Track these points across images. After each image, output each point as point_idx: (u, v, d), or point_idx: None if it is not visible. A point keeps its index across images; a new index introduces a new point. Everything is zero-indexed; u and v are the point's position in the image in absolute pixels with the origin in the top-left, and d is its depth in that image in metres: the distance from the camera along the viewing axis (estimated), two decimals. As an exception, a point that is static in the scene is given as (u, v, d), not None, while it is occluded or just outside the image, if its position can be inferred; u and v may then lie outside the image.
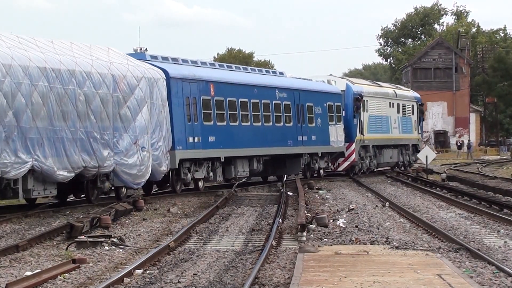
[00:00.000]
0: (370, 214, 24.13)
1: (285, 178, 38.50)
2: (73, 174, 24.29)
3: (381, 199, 29.53)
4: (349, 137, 42.83)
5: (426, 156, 42.09)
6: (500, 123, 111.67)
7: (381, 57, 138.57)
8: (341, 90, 42.99)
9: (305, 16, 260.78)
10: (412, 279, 13.18)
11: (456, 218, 23.78)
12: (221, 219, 23.16)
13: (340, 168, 43.57)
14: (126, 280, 13.66)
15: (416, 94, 54.98)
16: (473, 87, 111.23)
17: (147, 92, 27.59)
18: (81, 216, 21.61)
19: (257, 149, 34.68)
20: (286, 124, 37.12)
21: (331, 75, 47.07)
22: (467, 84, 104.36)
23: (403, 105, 50.31)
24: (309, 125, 39.18)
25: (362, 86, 46.11)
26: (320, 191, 32.96)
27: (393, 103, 48.74)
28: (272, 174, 39.30)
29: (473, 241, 18.50)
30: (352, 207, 25.97)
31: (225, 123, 32.44)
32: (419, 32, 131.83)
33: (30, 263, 15.57)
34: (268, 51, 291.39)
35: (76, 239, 17.72)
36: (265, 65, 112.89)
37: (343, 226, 21.03)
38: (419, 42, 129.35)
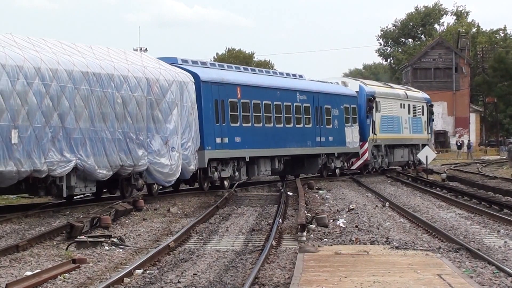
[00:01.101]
0: (370, 214, 24.13)
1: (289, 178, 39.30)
2: (111, 173, 25.89)
3: (381, 199, 29.53)
4: (362, 137, 44.44)
5: (426, 156, 42.11)
6: (500, 123, 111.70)
7: (381, 57, 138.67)
8: (355, 91, 44.60)
9: (305, 16, 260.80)
10: (412, 279, 13.18)
11: (456, 218, 23.78)
12: (221, 219, 23.16)
13: (354, 167, 45.20)
14: (126, 280, 13.66)
15: (426, 95, 56.39)
16: (473, 87, 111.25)
17: (178, 95, 29.02)
18: (81, 216, 21.61)
19: (279, 150, 36.28)
20: (306, 126, 38.80)
21: (344, 76, 48.34)
22: (467, 84, 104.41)
23: (414, 106, 51.92)
24: (327, 126, 40.79)
25: (374, 87, 47.65)
26: (320, 191, 32.97)
27: (404, 104, 50.37)
28: (291, 173, 40.50)
29: (473, 241, 18.50)
30: (352, 207, 25.97)
31: (250, 124, 34.04)
32: (419, 32, 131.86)
33: (30, 263, 15.57)
34: (268, 51, 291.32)
35: (76, 239, 17.73)
36: (265, 65, 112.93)
37: (343, 226, 21.03)
38: (419, 42, 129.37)
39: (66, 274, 14.25)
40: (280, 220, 21.52)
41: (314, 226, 20.48)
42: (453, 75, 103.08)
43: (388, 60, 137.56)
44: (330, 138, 40.92)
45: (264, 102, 35.19)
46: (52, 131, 23.57)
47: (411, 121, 51.10)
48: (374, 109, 45.55)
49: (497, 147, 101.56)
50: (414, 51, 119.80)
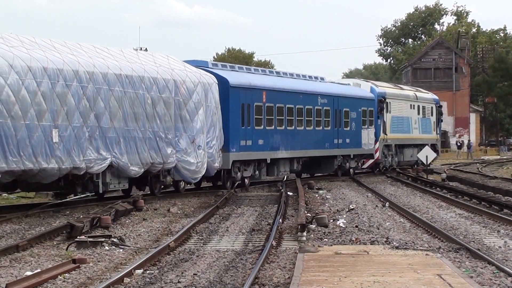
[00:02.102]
0: (370, 214, 24.13)
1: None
2: (143, 170, 27.43)
3: (381, 199, 29.52)
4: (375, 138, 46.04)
5: (426, 156, 42.11)
6: (500, 123, 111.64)
7: (381, 57, 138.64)
8: (372, 94, 45.89)
9: (305, 16, 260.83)
10: (412, 279, 13.18)
11: (456, 218, 23.78)
12: (221, 219, 23.16)
13: (365, 166, 46.64)
14: (126, 280, 13.66)
15: (435, 97, 57.59)
16: (473, 87, 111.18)
17: (203, 95, 30.47)
18: (81, 216, 21.61)
19: (298, 151, 37.67)
20: (325, 128, 40.16)
21: (356, 77, 49.41)
22: (467, 84, 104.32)
23: (423, 107, 53.27)
24: (345, 128, 42.14)
25: (385, 88, 48.86)
26: (320, 191, 32.97)
27: (413, 105, 51.75)
28: (307, 172, 42.19)
29: (473, 241, 18.50)
30: (352, 207, 25.97)
31: (273, 127, 35.41)
32: (419, 32, 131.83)
33: (30, 263, 15.57)
34: (268, 51, 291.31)
35: (76, 239, 17.72)
36: (265, 65, 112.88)
37: (343, 226, 21.03)
38: (419, 42, 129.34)
39: (66, 274, 14.25)
40: (280, 220, 21.52)
41: (314, 226, 20.48)
42: (453, 75, 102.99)
43: (388, 60, 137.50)
44: (347, 140, 42.26)
45: (287, 105, 36.59)
46: (89, 130, 25.12)
47: (420, 121, 52.41)
48: (384, 110, 46.80)
49: (497, 147, 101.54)
50: (414, 51, 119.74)
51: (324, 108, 39.98)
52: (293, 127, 37.11)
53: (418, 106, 52.44)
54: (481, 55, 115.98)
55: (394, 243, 17.61)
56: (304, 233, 18.58)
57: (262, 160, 34.75)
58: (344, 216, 23.46)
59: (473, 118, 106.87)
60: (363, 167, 46.34)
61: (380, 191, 33.91)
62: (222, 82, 32.00)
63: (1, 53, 22.66)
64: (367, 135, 44.32)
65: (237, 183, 33.44)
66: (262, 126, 34.45)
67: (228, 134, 31.94)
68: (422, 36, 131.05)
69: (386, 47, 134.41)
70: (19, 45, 24.00)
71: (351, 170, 43.71)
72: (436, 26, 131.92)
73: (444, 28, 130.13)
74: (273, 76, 37.88)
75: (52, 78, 23.79)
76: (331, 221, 21.97)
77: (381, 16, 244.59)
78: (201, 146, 30.06)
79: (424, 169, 45.02)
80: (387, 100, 47.34)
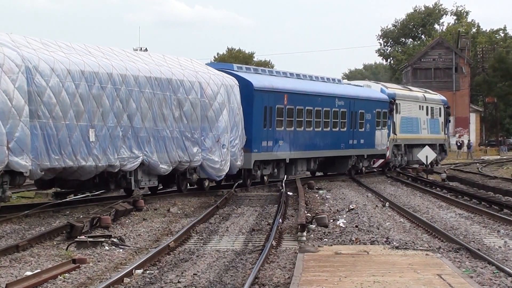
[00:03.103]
0: (370, 214, 24.13)
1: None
2: (171, 168, 28.77)
3: (381, 199, 29.52)
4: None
5: (426, 156, 42.10)
6: (500, 123, 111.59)
7: (381, 57, 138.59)
8: (386, 96, 47.02)
9: (306, 16, 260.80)
10: (412, 279, 13.18)
11: (456, 218, 23.78)
12: (221, 219, 23.16)
13: (376, 165, 47.70)
14: (126, 280, 13.66)
15: (443, 98, 58.96)
16: (473, 87, 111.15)
17: (226, 97, 31.81)
18: (81, 216, 21.61)
19: (315, 152, 39.19)
20: (341, 129, 41.46)
21: (366, 79, 50.85)
22: (467, 84, 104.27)
23: (432, 108, 54.53)
24: (360, 130, 43.34)
25: (394, 90, 50.13)
26: (320, 191, 32.97)
27: (422, 106, 53.03)
28: (322, 171, 43.87)
29: (473, 241, 18.50)
30: (352, 207, 25.97)
31: (292, 128, 36.72)
32: (419, 32, 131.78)
33: (30, 263, 15.57)
34: (268, 51, 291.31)
35: (76, 239, 17.72)
36: (265, 65, 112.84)
37: (343, 226, 21.02)
38: (419, 42, 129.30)
39: (66, 274, 14.25)
40: (280, 220, 21.52)
41: (314, 226, 20.47)
42: (453, 75, 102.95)
43: (388, 60, 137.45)
44: (362, 141, 43.52)
45: (306, 108, 37.89)
46: (123, 130, 26.46)
47: (429, 122, 53.65)
48: (394, 111, 47.86)
49: (497, 147, 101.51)
50: (414, 51, 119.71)
51: (341, 110, 41.24)
52: (312, 128, 38.46)
53: (427, 107, 53.68)
54: (481, 55, 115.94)
55: (394, 243, 17.61)
56: (304, 233, 18.58)
57: (281, 160, 36.11)
58: (344, 216, 23.46)
59: (473, 118, 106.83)
60: (373, 166, 47.62)
61: (380, 191, 33.91)
62: (247, 85, 33.19)
63: (44, 57, 23.89)
64: (381, 136, 45.58)
65: (255, 179, 34.96)
66: (282, 128, 35.80)
67: (251, 135, 33.21)
68: (422, 36, 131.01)
69: (386, 47, 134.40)
70: (57, 50, 25.31)
71: (363, 169, 45.09)
72: (436, 26, 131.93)
73: (444, 28, 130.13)
74: (294, 79, 38.98)
75: (89, 80, 25.16)
76: (331, 221, 21.97)
77: (381, 16, 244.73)
78: (225, 145, 31.36)
79: (424, 169, 45.04)
80: (397, 101, 48.53)
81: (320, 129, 39.26)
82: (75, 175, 25.19)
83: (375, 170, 48.20)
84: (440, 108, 56.22)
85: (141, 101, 27.36)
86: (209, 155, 30.54)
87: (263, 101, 34.22)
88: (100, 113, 25.53)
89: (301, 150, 37.52)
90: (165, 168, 28.36)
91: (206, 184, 32.53)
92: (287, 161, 36.41)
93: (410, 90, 54.67)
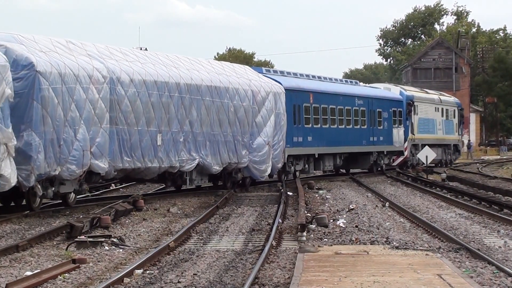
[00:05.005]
0: (370, 214, 24.13)
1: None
2: (221, 168, 31.39)
3: (381, 199, 29.52)
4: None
5: (426, 156, 42.11)
6: (500, 123, 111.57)
7: (381, 57, 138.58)
8: (400, 96, 50.24)
9: (306, 16, 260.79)
10: (412, 279, 13.18)
11: (456, 218, 23.77)
12: (221, 219, 23.15)
13: (395, 163, 50.73)
14: (126, 280, 13.65)
15: (457, 100, 63.19)
16: (473, 87, 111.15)
17: (273, 103, 34.65)
18: (81, 216, 21.60)
19: (340, 147, 42.04)
20: (362, 127, 44.39)
21: (386, 82, 55.34)
22: (467, 84, 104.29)
23: (447, 110, 58.04)
24: (378, 127, 46.40)
25: (413, 92, 53.36)
26: (320, 191, 32.98)
27: (438, 108, 56.40)
28: (346, 168, 46.35)
29: (473, 241, 18.50)
30: (352, 207, 25.96)
31: (319, 125, 39.60)
32: (419, 32, 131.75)
33: (30, 263, 15.56)
34: (268, 51, 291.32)
35: (76, 239, 17.71)
36: (265, 65, 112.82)
37: (343, 226, 21.02)
38: (419, 42, 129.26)
39: (66, 274, 14.24)
40: (280, 220, 21.52)
41: (314, 226, 20.47)
42: (453, 75, 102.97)
43: (388, 60, 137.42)
44: (381, 138, 46.51)
45: (330, 106, 40.75)
46: (184, 134, 29.18)
47: (444, 123, 56.89)
48: (412, 112, 50.77)
49: (497, 147, 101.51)
50: (414, 51, 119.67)
51: (361, 108, 44.14)
52: (336, 125, 41.32)
53: (442, 109, 56.85)
54: (481, 55, 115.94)
55: (394, 243, 17.61)
56: (304, 233, 18.58)
57: (310, 155, 38.80)
58: (344, 216, 23.46)
59: (473, 118, 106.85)
60: (393, 164, 50.37)
61: (380, 191, 33.91)
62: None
63: (125, 69, 26.49)
64: (398, 133, 48.30)
65: (288, 175, 37.48)
66: (310, 125, 38.60)
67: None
68: (422, 36, 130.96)
69: (386, 47, 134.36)
70: (134, 60, 27.98)
71: (383, 166, 48.04)
72: (436, 26, 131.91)
73: (444, 28, 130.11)
74: (316, 80, 41.77)
75: (160, 90, 27.94)
76: (331, 221, 21.97)
77: (381, 16, 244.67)
78: (269, 148, 33.85)
79: (424, 169, 45.08)
80: (415, 103, 51.39)
81: (343, 126, 42.07)
82: (141, 175, 28.03)
83: (395, 167, 50.66)
84: (454, 110, 59.32)
85: (201, 108, 30.07)
86: (255, 158, 33.15)
87: (291, 99, 36.63)
88: (167, 120, 28.19)
89: (327, 146, 40.15)
90: (216, 168, 31.00)
91: (248, 182, 34.76)
92: (316, 156, 39.06)
93: (427, 92, 57.56)
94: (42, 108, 22.95)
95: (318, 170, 41.15)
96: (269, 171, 34.17)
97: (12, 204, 25.11)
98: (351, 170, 46.96)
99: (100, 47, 27.23)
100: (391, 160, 49.47)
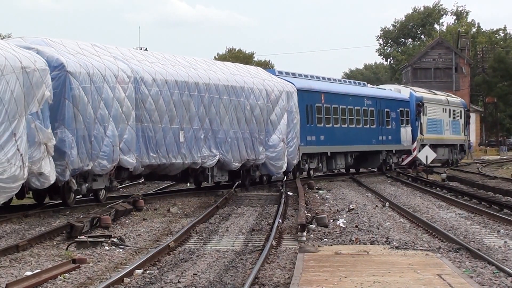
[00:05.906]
0: (370, 214, 24.13)
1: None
2: (240, 165, 32.77)
3: (381, 199, 29.53)
4: (412, 137, 51.06)
5: (426, 156, 42.09)
6: (500, 123, 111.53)
7: (381, 57, 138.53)
8: (407, 97, 51.51)
9: (306, 16, 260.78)
10: (412, 279, 13.18)
11: (456, 218, 23.77)
12: (221, 219, 23.16)
13: (404, 163, 52.07)
14: (126, 280, 13.66)
15: (463, 101, 64.33)
16: (473, 87, 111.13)
17: (286, 102, 36.02)
18: (81, 216, 21.60)
19: (351, 146, 43.38)
20: (371, 126, 45.71)
21: (396, 83, 56.11)
22: (467, 84, 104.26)
23: (453, 110, 59.26)
24: (387, 127, 47.67)
25: (422, 93, 54.68)
26: (320, 191, 32.98)
27: (445, 109, 57.61)
28: (356, 167, 47.80)
29: (473, 241, 18.50)
30: (352, 207, 25.97)
31: (330, 125, 41.00)
32: (419, 32, 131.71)
33: (30, 263, 15.56)
34: (268, 51, 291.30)
35: (76, 239, 17.71)
36: (265, 65, 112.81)
37: (343, 226, 21.02)
38: (419, 42, 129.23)
39: (66, 274, 14.24)
40: (280, 220, 21.52)
41: (314, 226, 20.47)
42: (453, 75, 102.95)
43: (388, 60, 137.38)
44: (389, 137, 47.79)
45: (340, 106, 42.14)
46: (205, 132, 30.53)
47: (451, 123, 58.13)
48: (422, 113, 52.02)
49: (497, 147, 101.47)
50: (413, 51, 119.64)
51: (370, 108, 45.50)
52: (346, 125, 42.55)
53: (449, 110, 58.03)
54: (481, 55, 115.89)
55: (394, 243, 17.61)
56: (304, 233, 18.58)
57: (323, 154, 40.09)
58: (344, 216, 23.46)
59: (473, 118, 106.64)
60: (402, 164, 51.48)
61: (380, 191, 33.91)
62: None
63: (147, 69, 27.95)
64: (405, 133, 49.60)
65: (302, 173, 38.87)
66: (322, 124, 39.97)
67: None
68: (422, 36, 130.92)
69: (386, 47, 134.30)
70: (155, 61, 29.44)
71: (393, 165, 49.11)
72: (436, 26, 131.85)
73: (444, 28, 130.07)
74: (326, 82, 43.10)
75: (181, 89, 29.34)
76: (331, 221, 21.97)
77: (381, 16, 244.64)
78: (284, 145, 35.10)
79: (424, 169, 45.09)
80: (424, 104, 52.65)
81: (353, 125, 43.39)
82: (166, 171, 29.30)
83: (405, 166, 51.78)
84: (460, 111, 60.52)
85: (220, 107, 31.47)
86: (271, 154, 34.51)
87: (304, 99, 37.97)
88: (188, 117, 29.58)
89: (339, 145, 41.47)
90: (236, 164, 32.40)
91: (265, 179, 36.29)
92: (329, 154, 40.33)
93: (435, 93, 58.67)
94: (74, 106, 24.28)
95: (331, 168, 42.24)
96: (285, 167, 35.27)
97: (46, 202, 26.39)
98: (360, 170, 48.51)
99: (122, 49, 28.92)
100: (401, 160, 50.56)
